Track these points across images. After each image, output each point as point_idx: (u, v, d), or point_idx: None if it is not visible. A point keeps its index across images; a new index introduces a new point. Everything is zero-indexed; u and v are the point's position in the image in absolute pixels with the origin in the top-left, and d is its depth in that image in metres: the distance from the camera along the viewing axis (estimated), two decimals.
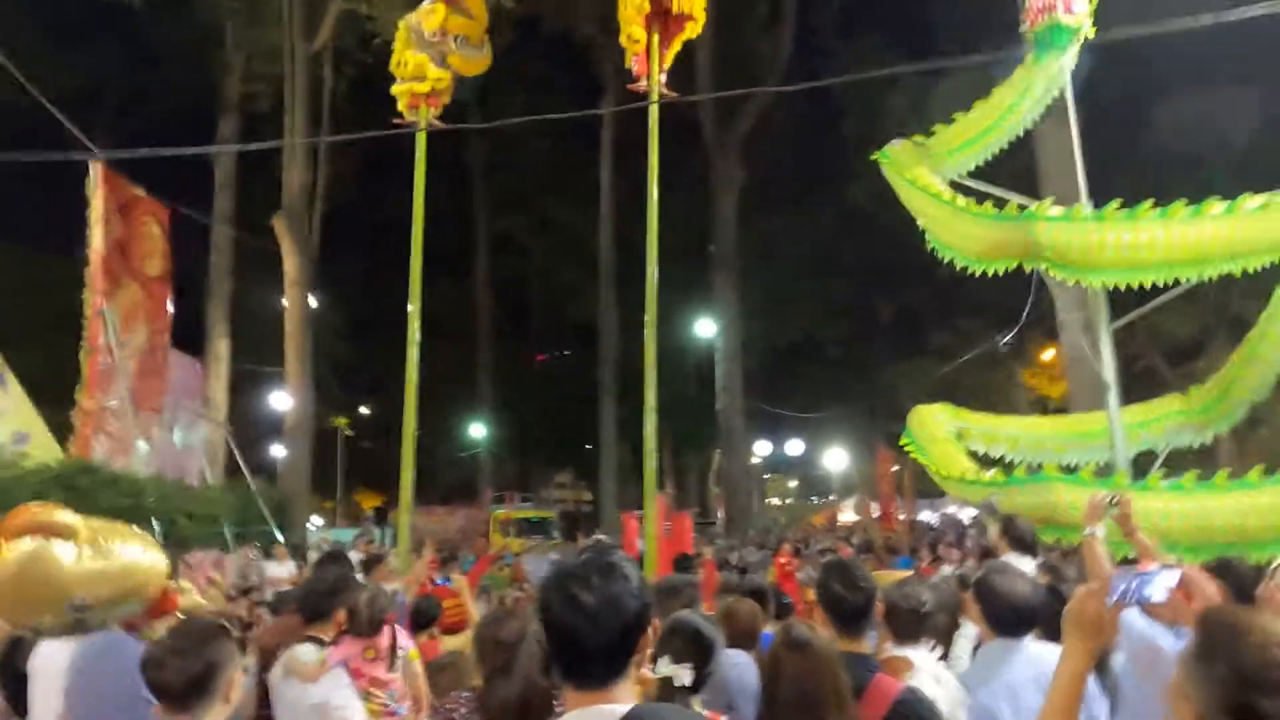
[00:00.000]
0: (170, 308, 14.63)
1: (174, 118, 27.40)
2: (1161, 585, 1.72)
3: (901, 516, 20.31)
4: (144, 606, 2.98)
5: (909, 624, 2.81)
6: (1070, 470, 6.19)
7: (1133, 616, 3.31)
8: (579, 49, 28.47)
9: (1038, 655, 2.85)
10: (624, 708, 1.43)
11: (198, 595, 3.94)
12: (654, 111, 6.91)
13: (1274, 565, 4.38)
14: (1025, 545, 4.34)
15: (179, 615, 4.09)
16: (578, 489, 42.69)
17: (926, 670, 2.75)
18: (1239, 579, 4.39)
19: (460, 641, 5.04)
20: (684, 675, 2.07)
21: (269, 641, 3.89)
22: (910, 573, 11.69)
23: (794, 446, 38.32)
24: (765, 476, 45.25)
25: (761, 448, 36.47)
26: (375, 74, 13.84)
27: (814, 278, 31.36)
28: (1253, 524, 5.10)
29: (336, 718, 3.11)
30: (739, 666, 3.00)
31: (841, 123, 27.12)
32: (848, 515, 31.80)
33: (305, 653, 3.24)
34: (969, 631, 3.67)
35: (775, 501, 45.46)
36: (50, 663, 3.34)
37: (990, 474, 6.22)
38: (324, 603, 3.38)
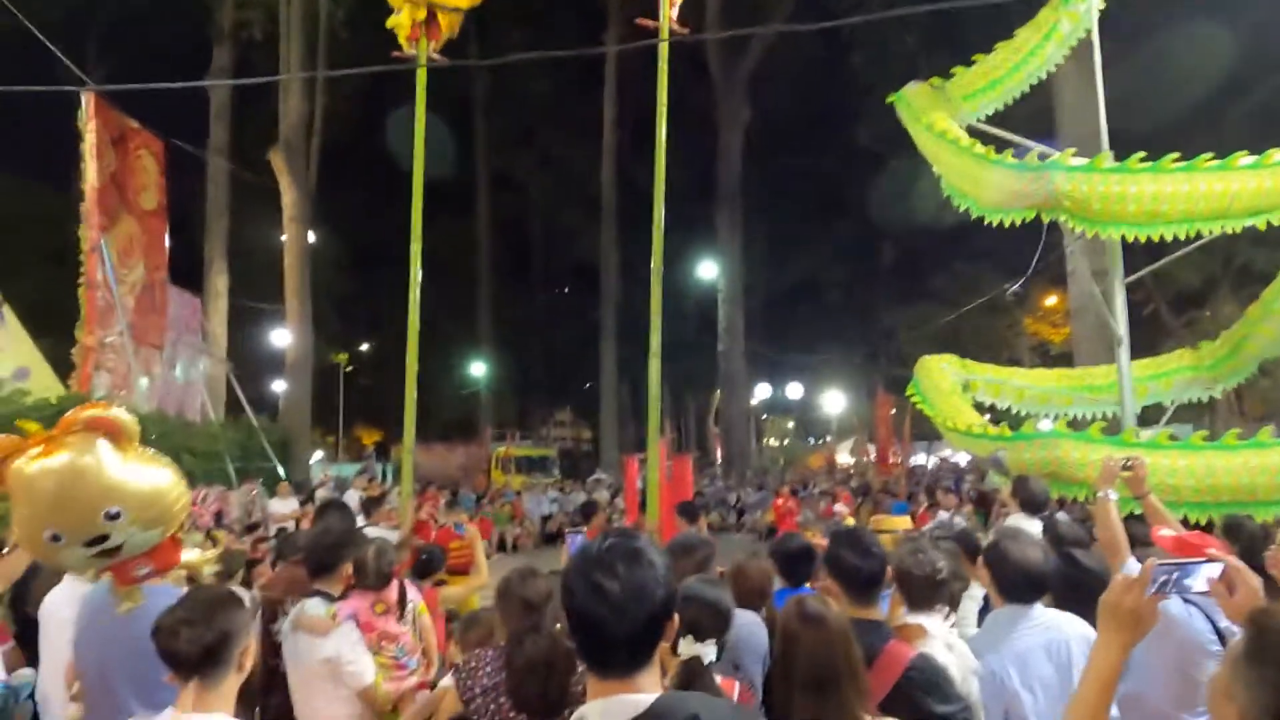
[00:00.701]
0: (167, 242, 14.43)
1: (166, 46, 26.68)
2: (1203, 576, 1.67)
3: (898, 460, 20.44)
4: (160, 540, 2.91)
5: (923, 591, 2.78)
6: (1077, 425, 6.16)
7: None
8: None
9: (1047, 622, 2.84)
10: (649, 697, 1.39)
11: (200, 550, 3.89)
12: (664, 51, 6.62)
13: None
14: (1035, 506, 4.32)
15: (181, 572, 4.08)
16: (578, 427, 43.01)
17: (939, 637, 2.74)
18: (1250, 539, 4.41)
19: (459, 590, 5.02)
20: (709, 652, 2.04)
21: (275, 593, 3.90)
22: (906, 519, 11.84)
23: (793, 390, 38.46)
24: (763, 417, 45.56)
25: (761, 390, 36.63)
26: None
27: (818, 220, 31.03)
28: (1261, 483, 5.09)
29: (348, 671, 3.11)
30: (747, 626, 2.99)
31: (850, 60, 26.41)
32: (844, 457, 32.10)
33: (314, 606, 3.23)
34: (976, 593, 3.67)
35: (773, 442, 45.86)
36: (59, 610, 3.36)
37: (997, 428, 6.18)
38: (330, 556, 3.36)
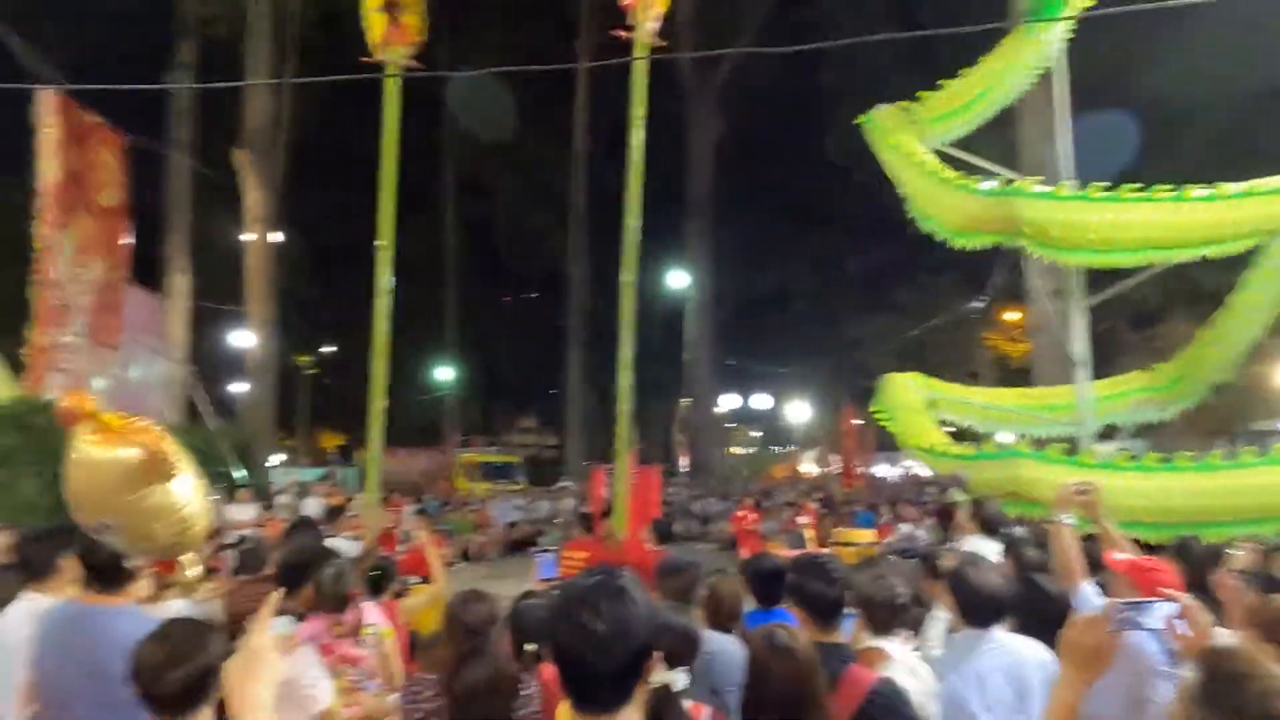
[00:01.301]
0: (127, 240, 14.11)
1: (129, 36, 26.13)
2: (1159, 615, 1.74)
3: (862, 472, 20.66)
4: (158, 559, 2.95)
5: (884, 616, 2.85)
6: (1038, 446, 6.31)
7: (1096, 601, 3.41)
8: None
9: (1006, 645, 2.92)
10: None
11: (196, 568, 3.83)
12: (639, 69, 6.65)
13: (1231, 554, 4.55)
14: (993, 528, 4.42)
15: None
16: (543, 434, 42.81)
17: (901, 661, 2.80)
18: (1196, 560, 4.56)
19: (419, 600, 4.94)
20: (679, 680, 2.07)
21: (239, 608, 3.84)
22: (870, 532, 11.99)
23: (760, 400, 38.71)
24: (729, 425, 45.76)
25: (728, 400, 36.78)
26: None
27: (788, 229, 31.35)
28: (1211, 505, 5.26)
29: (304, 695, 3.07)
30: (724, 654, 3.02)
31: (820, 73, 26.78)
32: (808, 466, 32.39)
33: (279, 626, 3.19)
34: (941, 614, 3.75)
35: (739, 451, 46.08)
36: (16, 630, 3.27)
37: (960, 447, 6.30)
38: (298, 575, 3.33)
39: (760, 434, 49.88)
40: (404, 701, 2.91)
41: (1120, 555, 3.72)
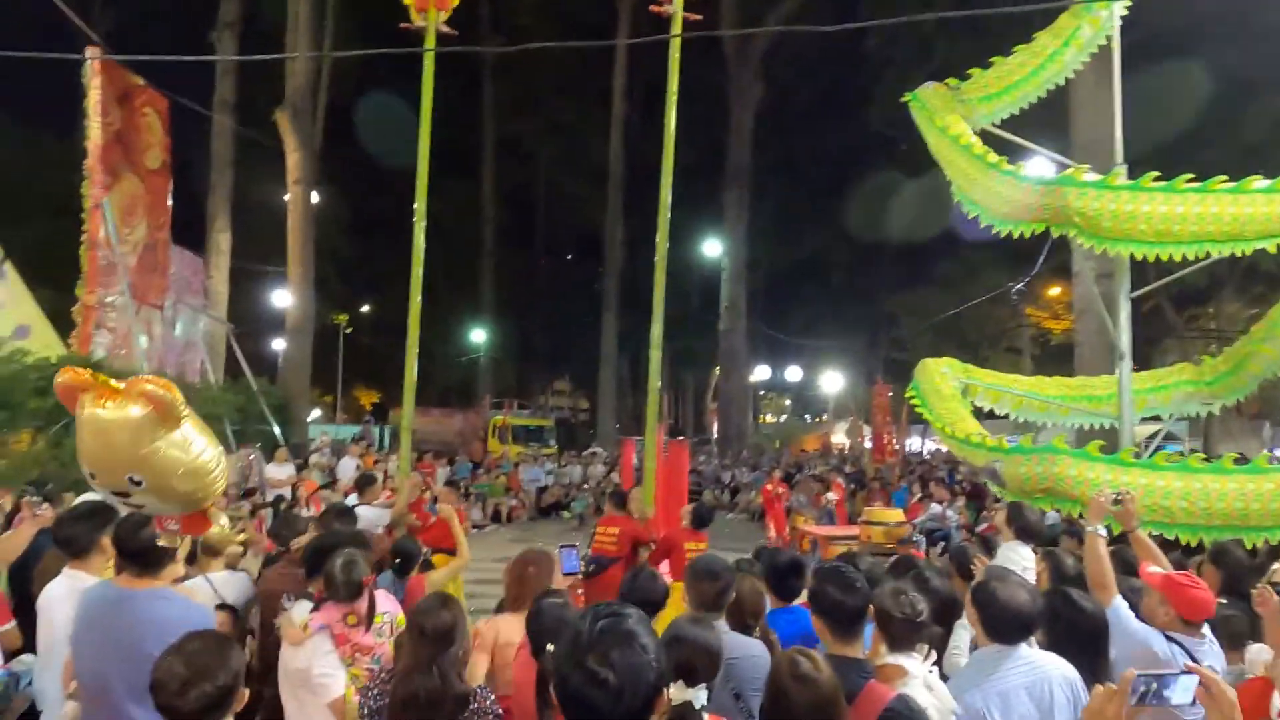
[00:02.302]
0: (170, 201, 14.31)
1: None
2: (1183, 688, 1.68)
3: (893, 448, 20.49)
4: (185, 512, 3.04)
5: (903, 632, 2.81)
6: (1080, 441, 6.17)
7: (1127, 618, 3.35)
8: None
9: (1031, 662, 2.88)
10: None
11: (224, 521, 3.95)
12: (675, 46, 6.51)
13: (1274, 568, 4.42)
14: (1029, 535, 4.35)
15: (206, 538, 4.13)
16: (576, 397, 43.07)
17: (919, 678, 2.77)
18: (1234, 568, 4.45)
19: (443, 573, 4.99)
20: (700, 697, 2.06)
21: (271, 586, 3.94)
22: (899, 511, 11.90)
23: (792, 372, 38.46)
24: (761, 394, 45.63)
25: (761, 371, 36.60)
26: None
27: (826, 199, 30.80)
28: (1254, 508, 5.11)
29: (317, 684, 3.13)
30: (747, 658, 3.01)
31: (865, 40, 26.05)
32: (840, 438, 32.22)
33: (300, 610, 3.26)
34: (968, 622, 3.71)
35: (770, 419, 45.99)
36: (59, 605, 3.38)
37: (995, 439, 6.19)
38: (321, 561, 3.38)
39: (792, 402, 49.72)
40: (362, 692, 2.94)
41: (1155, 569, 3.64)
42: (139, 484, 2.80)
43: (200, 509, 3.08)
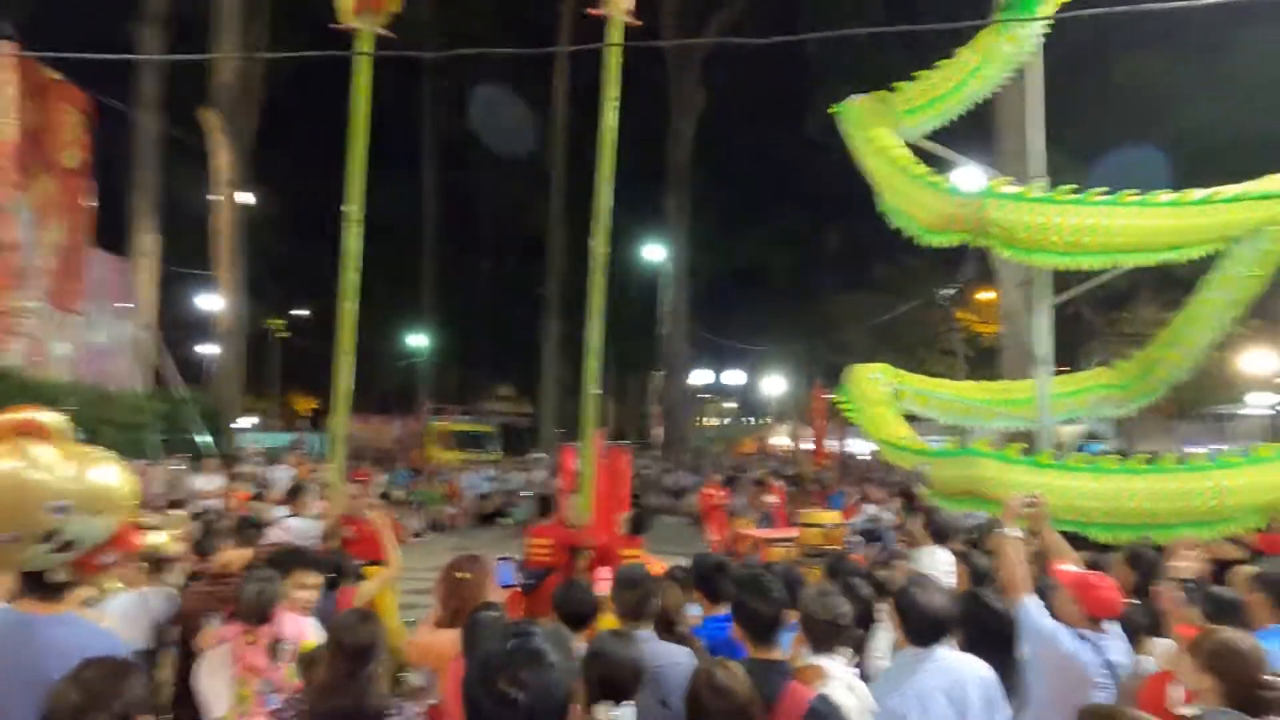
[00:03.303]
0: (91, 202, 13.78)
1: None
2: None
3: (832, 448, 20.82)
4: (115, 526, 2.88)
5: (825, 634, 2.89)
6: (1001, 443, 6.38)
7: (1037, 616, 3.48)
8: None
9: (948, 664, 2.98)
10: None
11: (159, 534, 3.83)
12: (614, 54, 6.53)
13: (1174, 565, 4.64)
14: (943, 536, 4.49)
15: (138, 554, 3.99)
16: (519, 402, 42.71)
17: (839, 679, 2.84)
18: (1146, 565, 4.65)
19: (373, 585, 4.88)
20: (626, 715, 2.08)
21: (194, 607, 3.82)
22: (835, 513, 12.12)
23: (734, 376, 38.84)
24: (702, 397, 45.97)
25: (702, 376, 36.87)
26: None
27: (767, 203, 31.21)
28: (1162, 507, 5.36)
29: (203, 698, 3.08)
30: (672, 666, 3.04)
31: (803, 48, 26.50)
32: (781, 440, 32.65)
33: (210, 622, 3.22)
34: (889, 627, 3.80)
35: (712, 422, 46.34)
36: None
37: (921, 443, 6.37)
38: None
39: (734, 405, 50.19)
40: (280, 711, 2.88)
41: (1067, 567, 3.80)
42: (64, 509, 2.65)
43: (126, 523, 2.96)
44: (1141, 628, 3.81)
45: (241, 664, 3.12)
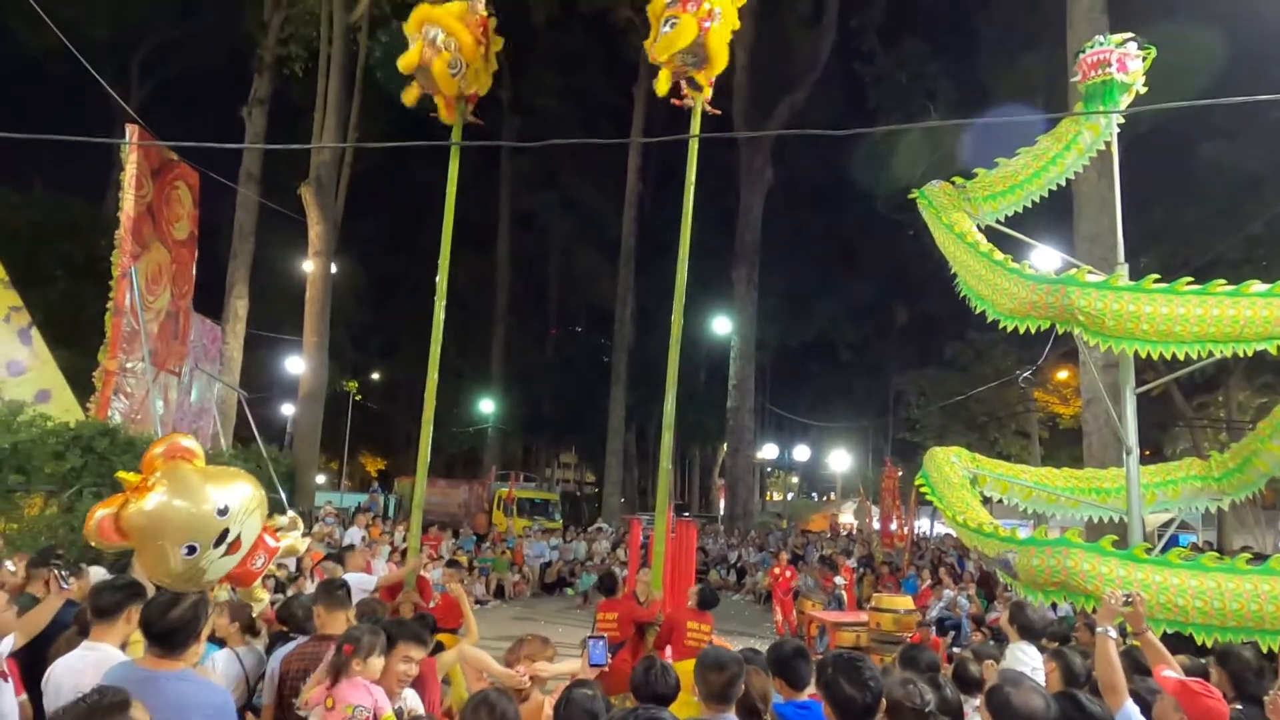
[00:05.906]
0: (194, 271, 14.67)
1: (208, 71, 27.43)
2: None
3: (902, 530, 20.20)
4: (260, 526, 3.41)
5: None
6: (1090, 535, 6.18)
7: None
8: (616, 29, 28.24)
9: None
10: None
11: (294, 533, 4.03)
12: (693, 147, 6.82)
13: None
14: (1032, 634, 4.36)
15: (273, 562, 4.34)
16: (581, 470, 42.82)
17: None
18: (1239, 669, 4.41)
19: (453, 655, 4.93)
20: None
21: (294, 668, 3.94)
22: (908, 598, 11.74)
23: (800, 450, 38.31)
24: (768, 471, 45.35)
25: (768, 449, 36.47)
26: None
27: (834, 278, 31.25)
28: (1268, 610, 5.10)
29: None
30: None
31: (876, 121, 26.88)
32: (847, 517, 31.86)
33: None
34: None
35: (777, 497, 45.55)
36: (72, 678, 3.42)
37: (1008, 530, 6.21)
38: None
39: (799, 479, 49.35)
40: None
41: (1170, 673, 3.65)
42: (226, 510, 3.16)
43: (263, 528, 3.47)
44: None
45: None
